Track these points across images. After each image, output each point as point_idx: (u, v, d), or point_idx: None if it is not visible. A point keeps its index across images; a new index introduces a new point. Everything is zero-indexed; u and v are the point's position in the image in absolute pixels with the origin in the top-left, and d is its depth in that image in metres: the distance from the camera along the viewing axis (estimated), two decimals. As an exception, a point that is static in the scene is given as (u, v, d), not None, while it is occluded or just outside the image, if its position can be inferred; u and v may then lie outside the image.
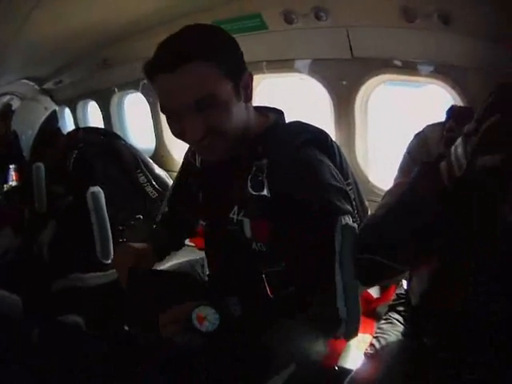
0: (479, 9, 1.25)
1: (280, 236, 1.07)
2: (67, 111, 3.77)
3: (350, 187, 1.18)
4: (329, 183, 1.06)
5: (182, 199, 1.43)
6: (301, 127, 1.15)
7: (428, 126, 1.06)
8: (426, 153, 1.02)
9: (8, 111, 4.16)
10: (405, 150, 1.10)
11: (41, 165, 2.47)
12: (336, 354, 1.46)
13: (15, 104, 4.66)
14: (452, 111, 1.01)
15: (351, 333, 1.12)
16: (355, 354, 1.42)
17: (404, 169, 1.10)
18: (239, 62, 1.05)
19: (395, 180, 1.09)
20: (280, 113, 1.21)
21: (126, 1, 1.84)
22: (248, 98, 1.07)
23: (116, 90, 3.17)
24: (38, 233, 2.47)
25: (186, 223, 1.51)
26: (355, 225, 1.01)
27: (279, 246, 1.09)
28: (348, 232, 1.00)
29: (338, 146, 1.20)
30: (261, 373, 1.15)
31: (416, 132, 1.08)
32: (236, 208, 1.12)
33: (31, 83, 3.67)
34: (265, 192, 1.06)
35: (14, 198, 3.01)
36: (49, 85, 3.50)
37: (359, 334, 1.36)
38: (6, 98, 4.97)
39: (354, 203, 1.15)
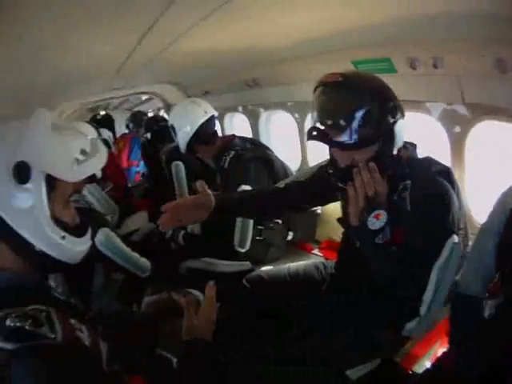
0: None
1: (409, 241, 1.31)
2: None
3: (461, 232, 1.38)
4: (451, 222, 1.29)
5: (301, 189, 1.72)
6: (433, 159, 1.42)
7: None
8: (503, 212, 1.20)
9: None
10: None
11: (180, 163, 2.76)
12: (415, 359, 1.57)
13: (155, 104, 5.20)
14: None
15: (420, 329, 1.37)
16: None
17: (488, 221, 1.29)
18: None
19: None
20: (414, 146, 1.47)
21: (283, 27, 1.91)
22: None
23: (263, 109, 3.45)
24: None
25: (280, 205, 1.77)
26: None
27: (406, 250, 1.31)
28: (457, 249, 1.25)
29: (458, 186, 1.41)
30: None
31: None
32: None
33: (173, 88, 4.07)
34: (406, 206, 1.32)
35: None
36: (195, 94, 3.81)
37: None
38: (144, 97, 5.59)
39: None
